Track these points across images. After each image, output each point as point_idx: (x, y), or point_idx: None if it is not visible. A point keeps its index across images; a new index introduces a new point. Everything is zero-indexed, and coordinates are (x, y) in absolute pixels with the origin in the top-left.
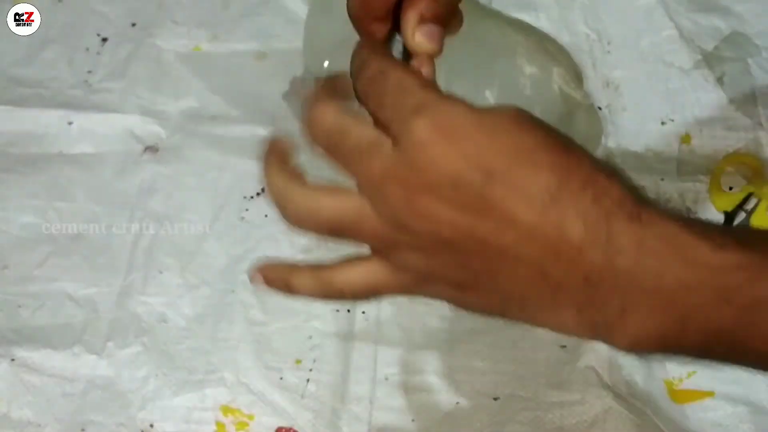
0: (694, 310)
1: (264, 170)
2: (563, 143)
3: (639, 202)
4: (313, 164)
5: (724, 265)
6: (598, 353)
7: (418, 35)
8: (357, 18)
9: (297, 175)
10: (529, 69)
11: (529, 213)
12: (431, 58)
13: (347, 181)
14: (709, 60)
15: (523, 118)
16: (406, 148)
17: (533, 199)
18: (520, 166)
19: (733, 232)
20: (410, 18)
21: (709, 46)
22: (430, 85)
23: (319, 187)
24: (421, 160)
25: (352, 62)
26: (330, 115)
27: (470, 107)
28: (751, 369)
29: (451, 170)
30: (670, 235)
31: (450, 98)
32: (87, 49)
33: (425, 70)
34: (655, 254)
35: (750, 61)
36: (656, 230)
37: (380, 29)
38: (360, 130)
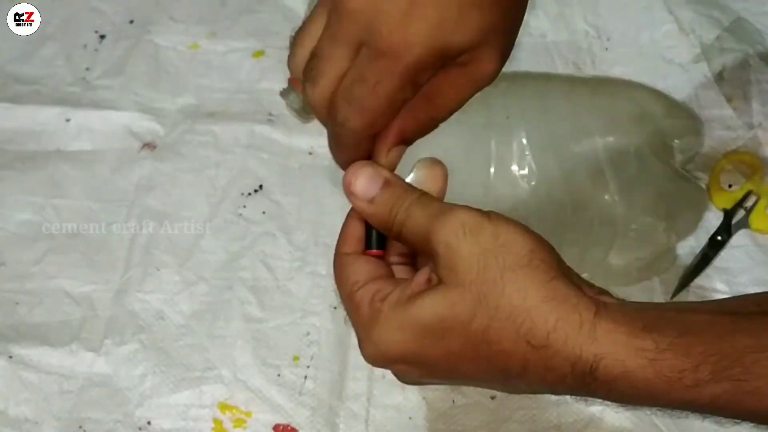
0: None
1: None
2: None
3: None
4: None
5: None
6: None
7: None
8: (357, 133)
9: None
10: None
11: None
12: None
13: None
14: (709, 53)
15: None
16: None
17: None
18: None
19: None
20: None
21: (710, 37)
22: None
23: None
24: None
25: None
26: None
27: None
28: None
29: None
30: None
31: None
32: (85, 46)
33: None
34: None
35: (751, 51)
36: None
37: (369, 142)
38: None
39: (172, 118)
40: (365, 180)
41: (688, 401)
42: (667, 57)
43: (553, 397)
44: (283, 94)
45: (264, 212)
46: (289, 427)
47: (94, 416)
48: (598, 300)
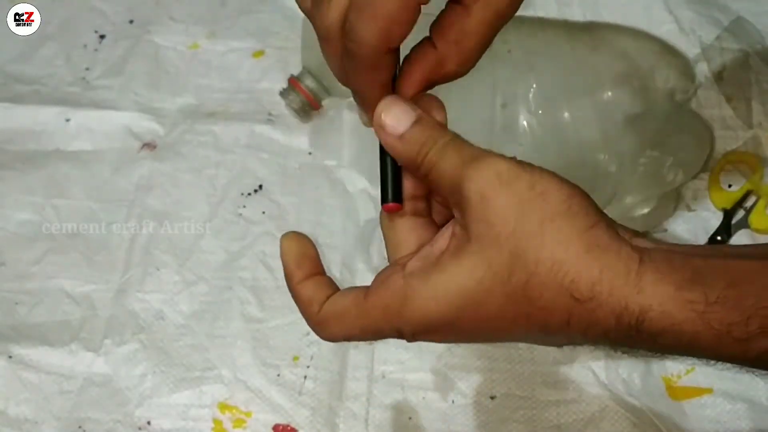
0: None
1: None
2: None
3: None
4: None
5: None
6: (594, 353)
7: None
8: (372, 45)
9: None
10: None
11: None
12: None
13: None
14: (709, 53)
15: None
16: None
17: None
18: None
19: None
20: (410, 86)
21: (710, 37)
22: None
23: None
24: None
25: None
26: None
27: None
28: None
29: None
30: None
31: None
32: (84, 46)
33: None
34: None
35: (751, 51)
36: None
37: (388, 61)
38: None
39: (172, 118)
40: (397, 113)
41: (735, 356)
42: None
43: (553, 397)
44: (283, 94)
45: (264, 212)
46: (288, 427)
47: (94, 416)
48: (640, 247)
